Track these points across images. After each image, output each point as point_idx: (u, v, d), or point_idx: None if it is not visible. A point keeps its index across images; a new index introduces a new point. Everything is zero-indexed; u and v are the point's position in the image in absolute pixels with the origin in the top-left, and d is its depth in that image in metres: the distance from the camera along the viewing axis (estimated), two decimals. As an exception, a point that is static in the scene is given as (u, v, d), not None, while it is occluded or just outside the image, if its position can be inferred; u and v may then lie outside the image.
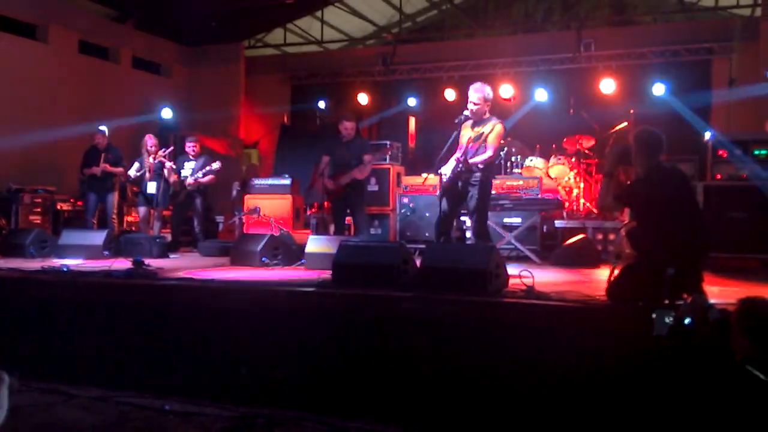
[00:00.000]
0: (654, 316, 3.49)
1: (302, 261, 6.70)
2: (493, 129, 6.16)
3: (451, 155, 6.30)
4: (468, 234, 7.81)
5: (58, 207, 10.12)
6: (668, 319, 3.46)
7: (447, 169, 6.25)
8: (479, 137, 6.15)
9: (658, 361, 3.55)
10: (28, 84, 10.57)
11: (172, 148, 9.23)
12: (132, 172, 9.08)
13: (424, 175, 8.72)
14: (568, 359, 3.87)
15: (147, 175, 8.96)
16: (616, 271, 4.24)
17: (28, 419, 4.09)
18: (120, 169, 9.24)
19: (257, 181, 9.82)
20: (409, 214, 8.72)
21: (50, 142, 10.87)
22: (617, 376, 3.73)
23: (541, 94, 11.81)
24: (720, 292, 4.38)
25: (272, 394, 4.46)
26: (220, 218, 10.77)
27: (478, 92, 6.21)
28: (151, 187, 8.94)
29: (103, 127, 9.52)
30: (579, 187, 9.32)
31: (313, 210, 10.17)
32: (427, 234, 8.53)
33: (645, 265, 4.05)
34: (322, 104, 13.69)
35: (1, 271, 5.96)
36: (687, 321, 3.35)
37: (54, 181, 10.39)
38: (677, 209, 4.10)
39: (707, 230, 4.29)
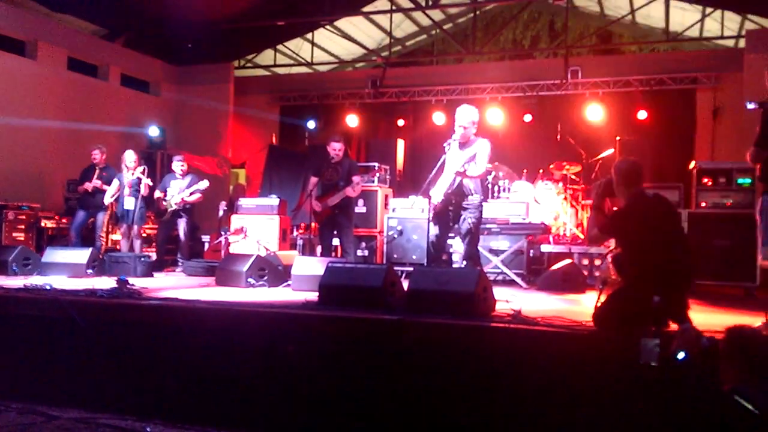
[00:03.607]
0: (641, 343, 3.49)
1: (288, 282, 6.66)
2: (482, 146, 6.22)
3: (438, 179, 6.32)
4: (455, 257, 7.82)
5: (42, 224, 10.02)
6: (655, 347, 3.47)
7: (436, 193, 6.27)
8: (469, 157, 6.18)
9: (645, 388, 3.55)
10: (16, 100, 10.52)
11: (144, 167, 9.15)
12: (107, 199, 9.02)
13: (412, 197, 8.75)
14: (554, 385, 3.87)
15: (126, 191, 8.91)
16: (603, 297, 4.25)
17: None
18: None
19: (244, 201, 9.78)
20: (396, 236, 8.72)
21: (36, 158, 10.83)
22: (603, 403, 3.73)
23: (528, 120, 11.93)
24: (705, 320, 4.39)
25: (256, 416, 4.41)
26: (206, 238, 10.71)
27: (465, 115, 6.26)
28: (128, 203, 8.89)
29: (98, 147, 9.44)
30: (565, 213, 9.37)
31: (301, 231, 10.14)
32: (414, 257, 8.53)
33: (631, 292, 4.06)
34: (311, 125, 13.73)
35: (-17, 288, 5.87)
36: (681, 356, 3.34)
37: (39, 198, 10.31)
38: (660, 237, 4.12)
39: (692, 258, 4.31)
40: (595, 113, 11.56)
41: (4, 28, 10.60)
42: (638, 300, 3.92)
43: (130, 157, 9.08)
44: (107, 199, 9.00)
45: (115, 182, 9.02)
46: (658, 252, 4.03)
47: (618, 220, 4.32)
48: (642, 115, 11.52)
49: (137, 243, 8.95)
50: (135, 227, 8.92)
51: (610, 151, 9.98)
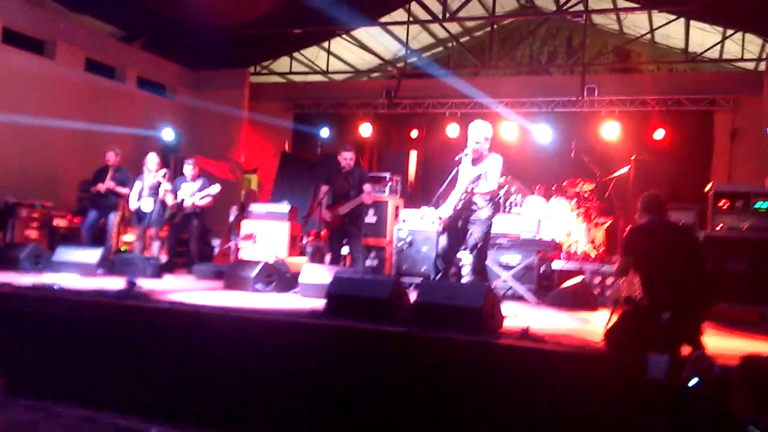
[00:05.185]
0: (649, 359, 3.44)
1: (296, 289, 6.64)
2: (494, 163, 6.18)
3: (450, 192, 6.28)
4: (464, 271, 7.76)
5: (55, 223, 10.05)
6: (663, 363, 3.42)
7: (445, 207, 6.22)
8: (477, 175, 6.14)
9: (654, 412, 3.49)
10: (33, 98, 10.58)
11: (166, 171, 9.18)
12: (134, 203, 9.01)
13: (423, 209, 8.71)
14: (561, 405, 3.81)
15: (145, 192, 8.93)
16: (614, 317, 4.20)
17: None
18: (126, 191, 9.16)
19: (255, 207, 9.77)
20: (405, 247, 8.68)
21: (50, 157, 10.88)
22: (610, 427, 3.66)
23: (543, 136, 11.88)
24: (718, 345, 4.32)
25: (259, 421, 4.37)
26: (216, 242, 10.70)
27: (478, 130, 6.22)
28: (147, 206, 8.90)
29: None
30: (578, 230, 9.30)
31: (311, 238, 10.12)
32: (423, 268, 8.48)
33: (643, 312, 4.01)
34: (324, 133, 13.74)
35: (-8, 285, 5.89)
36: (694, 382, 3.29)
37: (52, 197, 10.35)
38: (675, 258, 4.09)
39: (709, 284, 4.27)
40: (610, 131, 11.50)
41: (23, 27, 10.68)
42: (649, 318, 3.87)
43: (152, 159, 9.12)
44: (133, 203, 8.99)
45: (137, 184, 9.03)
46: (673, 273, 3.99)
47: (634, 236, 4.31)
48: (659, 134, 11.45)
49: (155, 245, 8.96)
50: (152, 229, 8.94)
51: (625, 170, 9.91)
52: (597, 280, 7.96)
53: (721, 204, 7.33)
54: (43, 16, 10.96)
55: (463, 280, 6.34)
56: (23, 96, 10.41)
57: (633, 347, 3.89)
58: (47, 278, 6.37)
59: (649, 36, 13.10)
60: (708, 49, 11.93)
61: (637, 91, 11.99)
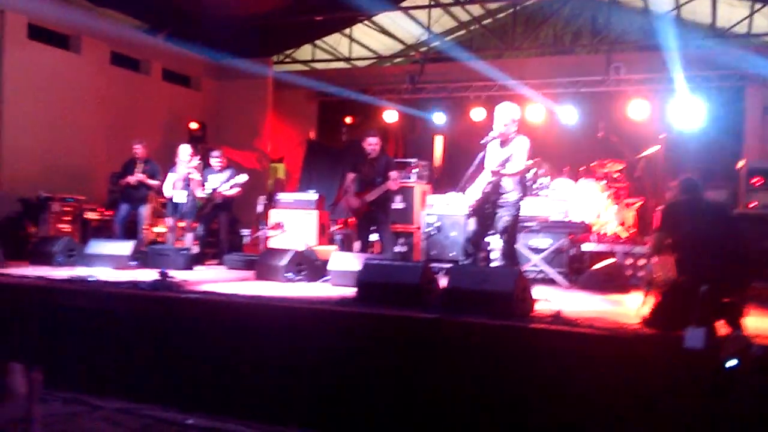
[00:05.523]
0: (687, 330, 3.42)
1: (326, 277, 6.68)
2: (520, 145, 6.13)
3: (477, 175, 6.25)
4: (493, 255, 7.73)
5: (86, 216, 10.20)
6: (701, 333, 3.39)
7: (473, 191, 6.20)
8: (506, 157, 6.10)
9: (691, 393, 3.46)
10: (60, 93, 10.71)
11: (200, 162, 9.26)
12: (168, 193, 9.08)
13: (450, 193, 8.68)
14: (595, 388, 3.79)
15: (179, 184, 9.01)
16: (648, 298, 4.16)
17: (51, 429, 4.08)
18: (156, 183, 9.26)
19: (283, 196, 9.82)
20: (434, 233, 8.66)
21: (80, 151, 11.03)
22: (646, 409, 3.64)
23: (569, 116, 11.75)
24: (756, 325, 4.25)
25: (292, 410, 4.42)
26: (245, 231, 10.79)
27: (506, 112, 6.18)
28: (180, 197, 8.98)
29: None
30: (607, 211, 9.20)
31: (339, 226, 10.15)
32: (452, 253, 8.47)
33: (680, 290, 3.96)
34: (348, 120, 13.73)
35: (29, 279, 6.00)
36: (733, 363, 3.25)
37: (83, 191, 10.49)
38: (712, 235, 4.05)
39: (747, 263, 4.20)
40: (638, 110, 11.32)
41: (49, 22, 10.79)
42: (688, 296, 3.81)
43: (185, 151, 9.17)
44: (168, 193, 9.07)
45: (171, 176, 9.09)
46: (710, 249, 3.95)
47: (672, 211, 4.31)
48: (688, 112, 11.24)
49: (189, 236, 9.04)
50: (185, 221, 9.03)
51: (654, 149, 9.77)
52: (629, 261, 7.87)
53: (754, 181, 7.21)
54: (67, 11, 11.05)
55: (493, 265, 6.32)
56: (51, 91, 10.54)
57: (674, 326, 3.84)
58: (81, 271, 6.48)
59: (675, 12, 12.84)
60: (736, 24, 11.66)
61: (664, 69, 11.77)
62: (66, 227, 9.79)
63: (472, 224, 6.28)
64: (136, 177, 9.19)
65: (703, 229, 4.05)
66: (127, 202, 9.36)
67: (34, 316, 5.40)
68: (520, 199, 6.22)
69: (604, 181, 9.36)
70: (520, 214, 6.32)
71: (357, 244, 8.22)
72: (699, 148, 10.49)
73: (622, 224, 9.19)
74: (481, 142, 6.20)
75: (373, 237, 8.09)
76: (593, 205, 9.10)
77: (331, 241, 9.91)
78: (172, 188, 9.01)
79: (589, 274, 7.28)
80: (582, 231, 8.23)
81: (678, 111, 11.18)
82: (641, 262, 7.65)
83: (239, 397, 4.60)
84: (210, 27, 11.95)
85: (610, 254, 7.91)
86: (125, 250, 7.49)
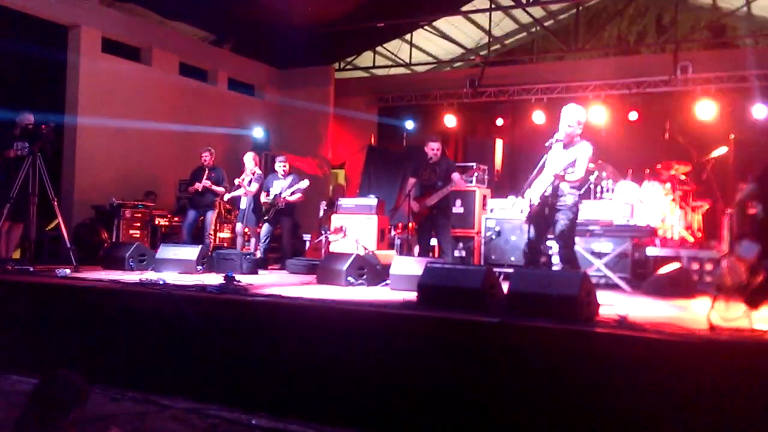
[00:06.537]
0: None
1: (387, 282, 6.72)
2: (584, 150, 6.05)
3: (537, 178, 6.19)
4: (554, 260, 7.64)
5: (156, 222, 10.54)
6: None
7: (533, 194, 6.14)
8: (570, 162, 6.02)
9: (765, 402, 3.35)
10: (132, 104, 11.13)
11: (256, 171, 9.54)
12: (235, 196, 9.50)
13: (511, 198, 8.62)
14: (664, 395, 3.71)
15: (243, 190, 9.32)
16: (718, 304, 4.04)
17: (124, 428, 4.23)
18: (221, 189, 9.56)
19: (343, 201, 9.94)
20: (494, 237, 8.61)
21: (150, 159, 11.42)
22: (718, 418, 3.54)
23: (634, 118, 11.51)
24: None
25: (355, 413, 4.46)
26: (307, 236, 10.97)
27: (571, 114, 6.09)
28: (244, 203, 9.25)
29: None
30: (673, 214, 8.97)
31: (398, 231, 10.21)
32: (512, 258, 8.40)
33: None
34: (409, 125, 13.81)
35: (102, 282, 6.25)
36: None
37: (152, 197, 10.87)
38: None
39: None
40: (706, 110, 10.99)
41: (121, 36, 11.24)
42: None
43: (249, 158, 9.51)
44: (234, 198, 9.48)
45: (236, 182, 9.48)
46: None
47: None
48: (759, 112, 10.85)
49: (252, 241, 9.30)
50: (249, 227, 9.29)
51: (723, 150, 9.47)
52: (695, 266, 7.64)
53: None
54: (139, 25, 11.50)
55: (554, 269, 6.24)
56: (123, 101, 10.96)
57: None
58: (151, 275, 6.71)
59: (745, 9, 12.42)
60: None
61: (734, 67, 11.40)
62: (136, 233, 10.14)
63: (531, 229, 6.22)
64: (203, 183, 9.47)
65: None
66: (194, 208, 9.65)
67: (107, 317, 5.62)
68: (578, 202, 6.13)
69: (670, 184, 9.12)
70: (578, 218, 6.23)
71: (416, 249, 8.25)
72: (770, 148, 10.11)
73: (688, 228, 8.94)
74: (546, 144, 6.14)
75: (433, 241, 8.10)
76: (658, 209, 8.87)
77: (390, 246, 9.97)
78: (238, 196, 9.33)
79: (654, 279, 7.10)
80: (646, 235, 8.04)
81: (748, 111, 10.81)
82: (708, 266, 7.42)
83: (301, 398, 4.67)
84: (273, 37, 12.23)
85: (675, 259, 7.69)
86: (193, 254, 7.70)
